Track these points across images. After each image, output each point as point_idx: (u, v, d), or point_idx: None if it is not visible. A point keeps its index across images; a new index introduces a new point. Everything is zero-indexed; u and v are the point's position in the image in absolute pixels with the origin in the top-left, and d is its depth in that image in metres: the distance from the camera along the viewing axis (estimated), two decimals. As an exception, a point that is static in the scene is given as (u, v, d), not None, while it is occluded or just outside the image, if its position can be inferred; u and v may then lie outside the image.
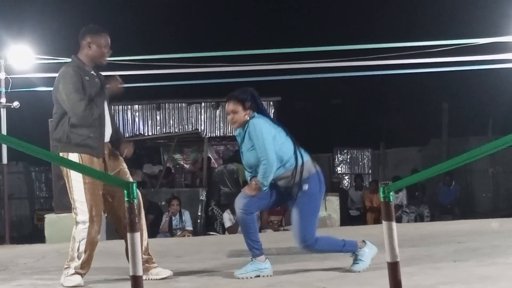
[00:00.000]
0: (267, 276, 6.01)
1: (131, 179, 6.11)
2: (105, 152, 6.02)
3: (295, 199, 6.04)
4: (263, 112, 6.26)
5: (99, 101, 5.96)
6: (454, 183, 18.61)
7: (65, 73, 5.89)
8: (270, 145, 5.98)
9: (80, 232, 5.85)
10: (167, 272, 6.11)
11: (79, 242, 5.84)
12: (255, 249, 6.14)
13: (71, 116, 5.85)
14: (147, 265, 6.05)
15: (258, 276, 6.00)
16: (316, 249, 6.14)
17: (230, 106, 6.19)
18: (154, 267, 6.17)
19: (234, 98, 6.18)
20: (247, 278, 5.96)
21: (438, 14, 24.60)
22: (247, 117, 6.14)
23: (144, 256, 6.01)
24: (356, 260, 6.12)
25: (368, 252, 6.12)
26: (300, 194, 6.03)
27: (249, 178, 6.26)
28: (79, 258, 5.84)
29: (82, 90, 5.84)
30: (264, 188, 6.03)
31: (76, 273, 5.82)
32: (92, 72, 6.07)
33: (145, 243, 6.09)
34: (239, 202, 6.10)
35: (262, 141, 5.98)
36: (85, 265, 5.87)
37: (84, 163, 5.75)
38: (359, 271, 6.00)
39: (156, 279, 6.06)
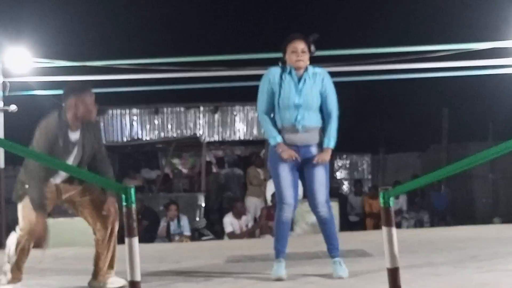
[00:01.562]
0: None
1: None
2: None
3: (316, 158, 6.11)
4: None
5: (67, 159, 5.95)
6: (443, 188, 18.61)
7: (42, 128, 5.87)
8: None
9: (13, 237, 5.89)
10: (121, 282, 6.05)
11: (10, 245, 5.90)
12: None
13: (24, 168, 5.86)
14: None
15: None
16: (331, 214, 6.22)
17: (301, 44, 6.16)
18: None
19: (305, 39, 6.20)
20: None
21: (438, 19, 24.60)
22: (308, 63, 6.20)
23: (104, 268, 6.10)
24: (341, 265, 6.12)
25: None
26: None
27: (293, 119, 6.12)
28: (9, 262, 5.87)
29: (47, 152, 5.79)
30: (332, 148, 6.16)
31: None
32: (72, 134, 5.99)
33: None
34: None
35: (335, 95, 6.20)
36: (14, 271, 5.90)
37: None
38: (345, 277, 6.00)
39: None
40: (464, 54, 12.47)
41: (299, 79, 6.16)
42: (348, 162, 23.23)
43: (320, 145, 6.17)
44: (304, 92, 6.13)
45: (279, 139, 6.10)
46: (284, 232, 6.21)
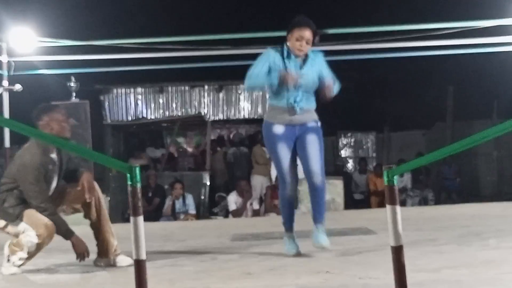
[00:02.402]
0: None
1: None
2: None
3: (317, 133, 6.22)
4: None
5: (53, 181, 6.11)
6: (453, 165, 18.77)
7: (27, 164, 5.94)
8: None
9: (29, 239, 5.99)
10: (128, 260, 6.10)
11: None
12: None
13: (29, 201, 5.96)
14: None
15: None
16: (324, 185, 6.24)
17: (307, 33, 6.15)
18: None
19: (313, 28, 6.20)
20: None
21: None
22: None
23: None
24: (323, 232, 6.17)
25: None
26: (317, 127, 6.27)
27: (293, 100, 6.15)
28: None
29: (43, 181, 5.96)
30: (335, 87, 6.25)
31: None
32: (54, 155, 6.09)
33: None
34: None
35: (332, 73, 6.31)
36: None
37: None
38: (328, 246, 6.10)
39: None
40: (469, 32, 12.43)
41: (303, 62, 6.20)
42: (353, 140, 23.22)
43: (316, 122, 6.27)
44: (306, 75, 6.15)
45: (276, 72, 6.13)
46: (290, 209, 6.29)
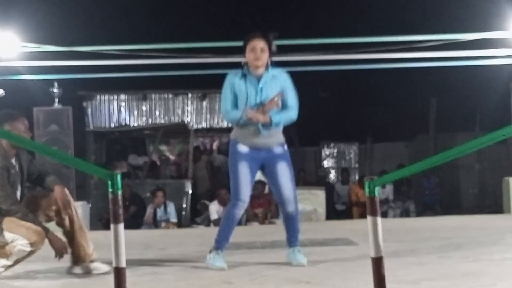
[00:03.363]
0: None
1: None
2: None
3: (284, 158, 6.10)
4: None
5: (17, 186, 6.08)
6: (432, 177, 18.82)
7: None
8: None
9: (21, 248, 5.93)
10: (104, 268, 6.08)
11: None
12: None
13: None
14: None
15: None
16: (298, 210, 6.22)
17: (261, 43, 6.04)
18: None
19: (265, 37, 6.09)
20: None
21: (426, 8, 24.61)
22: (268, 61, 6.09)
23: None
24: (301, 253, 6.15)
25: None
26: (284, 152, 6.14)
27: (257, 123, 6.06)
28: None
29: (8, 185, 5.91)
30: (273, 121, 5.98)
31: None
32: (13, 160, 6.07)
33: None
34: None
35: (295, 94, 6.13)
36: None
37: None
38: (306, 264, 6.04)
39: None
40: (453, 45, 12.49)
41: (259, 81, 6.06)
42: (335, 150, 23.23)
43: (282, 145, 6.14)
44: (264, 94, 6.04)
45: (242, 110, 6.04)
46: (231, 228, 6.17)
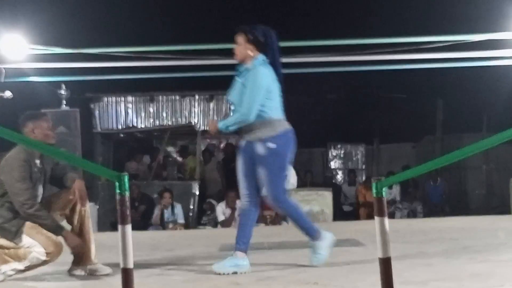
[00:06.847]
0: (245, 272, 5.89)
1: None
2: None
3: (261, 156, 5.93)
4: (273, 59, 6.05)
5: (38, 186, 6.11)
6: (440, 180, 18.71)
7: (13, 161, 5.96)
8: (259, 101, 5.85)
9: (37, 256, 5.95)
10: (107, 269, 6.12)
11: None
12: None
13: (14, 202, 5.93)
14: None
15: (236, 272, 5.86)
16: (287, 211, 6.15)
17: (237, 37, 6.02)
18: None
19: (240, 29, 6.05)
20: (224, 273, 5.83)
21: (433, 10, 24.56)
22: (250, 53, 5.97)
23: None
24: (315, 253, 6.10)
25: (324, 244, 6.11)
26: (268, 151, 5.90)
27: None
28: None
29: (29, 180, 5.96)
30: (224, 129, 5.95)
31: None
32: (37, 160, 6.11)
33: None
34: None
35: (254, 94, 5.84)
36: None
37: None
38: (318, 265, 6.00)
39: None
40: (460, 46, 12.47)
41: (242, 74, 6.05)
42: (342, 152, 23.22)
43: (265, 142, 5.91)
44: (233, 89, 6.06)
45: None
46: (241, 222, 6.17)
